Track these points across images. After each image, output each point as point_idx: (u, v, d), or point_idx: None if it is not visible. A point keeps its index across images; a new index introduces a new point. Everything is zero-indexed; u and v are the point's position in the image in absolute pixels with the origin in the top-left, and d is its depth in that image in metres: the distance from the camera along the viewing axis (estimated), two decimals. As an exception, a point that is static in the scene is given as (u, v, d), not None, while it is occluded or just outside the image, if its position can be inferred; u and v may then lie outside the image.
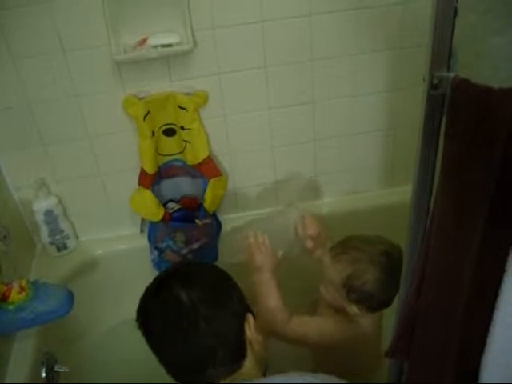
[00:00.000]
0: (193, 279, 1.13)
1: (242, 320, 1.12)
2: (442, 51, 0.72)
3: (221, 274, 1.20)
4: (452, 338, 0.91)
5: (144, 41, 1.52)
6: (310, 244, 1.48)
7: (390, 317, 1.18)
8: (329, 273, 1.41)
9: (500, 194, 0.72)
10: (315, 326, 1.44)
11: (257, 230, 1.49)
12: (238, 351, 1.10)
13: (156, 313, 1.11)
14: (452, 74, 0.73)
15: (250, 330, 1.12)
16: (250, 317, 1.14)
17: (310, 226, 1.49)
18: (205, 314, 1.06)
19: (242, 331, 1.11)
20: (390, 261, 1.34)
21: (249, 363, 1.10)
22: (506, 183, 0.71)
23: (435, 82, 0.74)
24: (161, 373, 1.50)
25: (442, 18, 0.69)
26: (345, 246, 1.42)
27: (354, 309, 1.38)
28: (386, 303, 1.38)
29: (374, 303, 1.37)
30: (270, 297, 1.40)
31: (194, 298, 1.07)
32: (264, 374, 1.15)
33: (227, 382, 1.07)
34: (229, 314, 1.10)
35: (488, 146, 0.71)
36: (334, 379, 1.07)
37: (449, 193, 0.81)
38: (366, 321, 1.42)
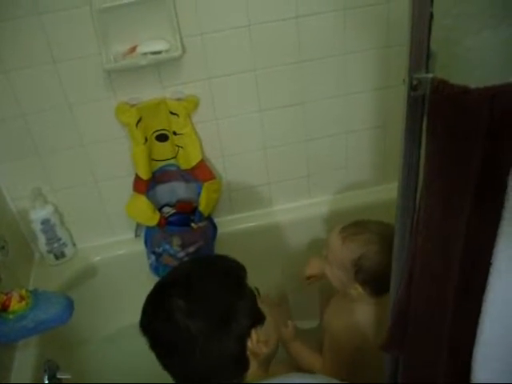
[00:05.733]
0: (196, 302, 1.07)
1: (244, 339, 1.09)
2: (420, 54, 0.74)
3: (232, 281, 1.14)
4: (443, 331, 0.93)
5: (133, 49, 1.54)
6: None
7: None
8: (339, 252, 1.42)
9: (483, 188, 0.74)
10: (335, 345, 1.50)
11: None
12: (237, 368, 1.09)
13: (155, 332, 1.10)
14: (430, 76, 0.75)
15: (253, 343, 1.09)
16: (253, 333, 1.09)
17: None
18: (203, 345, 1.03)
19: (243, 349, 1.08)
20: None
21: (251, 371, 1.10)
22: (487, 177, 0.73)
23: (415, 83, 0.76)
24: (161, 379, 1.52)
25: (419, 21, 0.71)
26: (358, 227, 1.45)
27: (359, 290, 1.41)
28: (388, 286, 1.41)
29: (379, 284, 1.38)
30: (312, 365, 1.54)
31: (193, 328, 1.03)
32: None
33: None
34: (230, 340, 1.06)
35: (468, 143, 0.73)
36: (333, 381, 1.09)
37: (433, 190, 0.83)
38: (369, 307, 1.46)
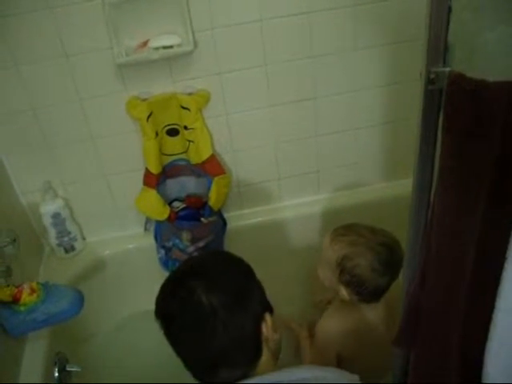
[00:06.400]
0: (215, 281, 1.09)
1: (259, 321, 1.10)
2: (438, 47, 0.73)
3: (243, 270, 1.17)
4: (455, 327, 0.93)
5: (145, 43, 1.54)
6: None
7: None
8: (326, 252, 1.44)
9: (498, 183, 0.74)
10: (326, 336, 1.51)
11: None
12: (253, 353, 1.09)
13: (174, 313, 1.08)
14: (448, 69, 0.74)
15: (267, 328, 1.10)
16: (267, 316, 1.12)
17: None
18: (224, 319, 1.04)
19: (258, 332, 1.09)
20: (387, 252, 1.37)
21: (264, 361, 1.10)
22: (503, 173, 0.73)
23: (432, 77, 0.76)
24: (170, 371, 1.51)
25: (437, 15, 0.71)
26: (347, 229, 1.46)
27: (344, 292, 1.41)
28: (374, 294, 1.42)
29: (363, 290, 1.39)
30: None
31: (214, 302, 1.04)
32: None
33: (239, 380, 1.07)
34: (247, 318, 1.07)
35: (485, 137, 0.72)
36: (343, 373, 1.09)
37: (448, 185, 0.83)
38: (369, 312, 1.46)
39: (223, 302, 1.05)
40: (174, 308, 1.09)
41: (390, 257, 1.37)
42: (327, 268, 1.45)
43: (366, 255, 1.37)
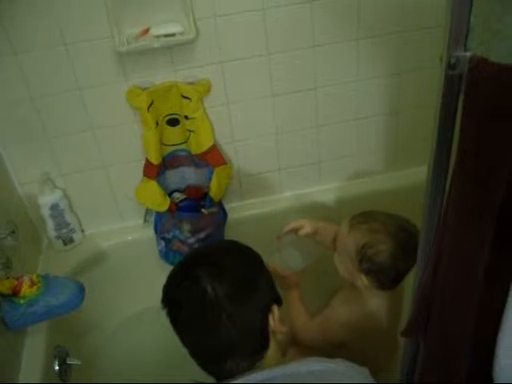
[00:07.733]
0: (222, 270, 1.08)
1: (266, 312, 1.09)
2: (460, 31, 0.71)
3: (251, 260, 1.17)
4: (468, 319, 0.92)
5: (146, 31, 1.52)
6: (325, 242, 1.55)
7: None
8: (345, 240, 1.42)
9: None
10: (333, 319, 1.49)
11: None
12: (259, 344, 1.09)
13: (180, 301, 1.08)
14: (469, 54, 0.73)
15: (274, 320, 1.10)
16: (275, 308, 1.11)
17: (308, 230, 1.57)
18: (229, 310, 1.03)
19: (265, 324, 1.09)
20: (408, 238, 1.35)
21: (270, 353, 1.10)
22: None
23: (452, 61, 0.74)
24: (171, 365, 1.49)
25: (460, -4, 0.69)
26: (366, 217, 1.43)
27: (364, 280, 1.39)
28: (395, 280, 1.40)
29: (384, 277, 1.37)
30: (298, 317, 1.54)
31: (220, 293, 1.04)
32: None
33: (247, 371, 1.06)
34: (254, 309, 1.07)
35: (507, 123, 0.71)
36: (352, 365, 1.07)
37: (466, 172, 0.81)
38: (379, 302, 1.44)
39: (228, 291, 1.05)
40: (180, 296, 1.09)
41: (409, 242, 1.34)
42: (345, 256, 1.42)
43: (387, 242, 1.35)
